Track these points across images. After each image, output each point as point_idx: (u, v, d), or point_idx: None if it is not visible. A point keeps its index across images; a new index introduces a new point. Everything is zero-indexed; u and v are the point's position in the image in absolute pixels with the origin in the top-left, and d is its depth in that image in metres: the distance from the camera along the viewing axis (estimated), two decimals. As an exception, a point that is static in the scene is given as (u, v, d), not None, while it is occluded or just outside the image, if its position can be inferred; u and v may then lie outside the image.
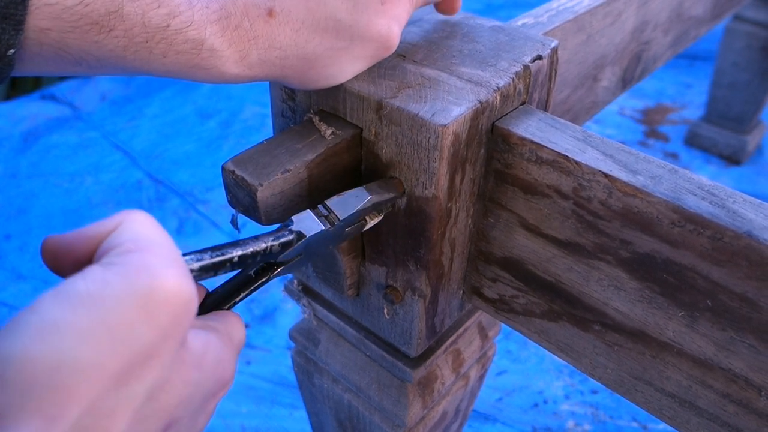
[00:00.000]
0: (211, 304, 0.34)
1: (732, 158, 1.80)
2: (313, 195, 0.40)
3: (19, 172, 1.71)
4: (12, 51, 0.30)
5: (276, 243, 0.34)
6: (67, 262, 0.26)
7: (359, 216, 0.39)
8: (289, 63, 0.37)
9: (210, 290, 0.35)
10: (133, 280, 0.22)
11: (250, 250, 0.33)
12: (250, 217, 0.40)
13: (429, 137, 0.36)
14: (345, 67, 0.38)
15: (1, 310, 1.30)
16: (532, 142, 0.39)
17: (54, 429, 0.20)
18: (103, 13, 0.31)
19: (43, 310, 0.21)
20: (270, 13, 0.35)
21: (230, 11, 0.34)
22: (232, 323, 0.32)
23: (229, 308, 0.34)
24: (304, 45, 0.36)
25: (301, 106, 0.43)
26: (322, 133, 0.40)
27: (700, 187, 0.36)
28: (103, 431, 0.21)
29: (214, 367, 0.27)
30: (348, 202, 0.38)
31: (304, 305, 0.56)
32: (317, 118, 0.41)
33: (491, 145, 0.41)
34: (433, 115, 0.36)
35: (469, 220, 0.44)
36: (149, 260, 0.23)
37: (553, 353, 0.47)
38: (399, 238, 0.42)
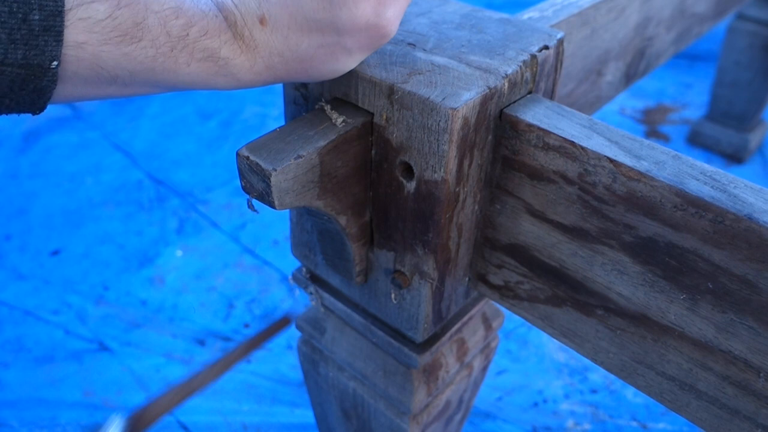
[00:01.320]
0: None
1: (734, 156, 1.81)
2: (324, 181, 0.41)
3: (20, 171, 1.72)
4: (56, 63, 0.32)
5: None
6: None
7: None
8: (291, 66, 0.39)
9: None
10: None
11: None
12: (263, 202, 0.40)
13: (439, 120, 0.37)
14: (343, 60, 0.39)
15: (1, 310, 1.30)
16: (539, 128, 0.40)
17: None
18: (131, 24, 0.33)
19: None
20: (262, 20, 0.37)
21: (233, 20, 0.36)
22: None
23: None
24: (296, 48, 0.38)
25: (314, 93, 0.44)
26: (333, 121, 0.41)
27: (702, 172, 0.37)
28: None
29: None
30: None
31: (311, 293, 0.57)
32: (329, 106, 0.42)
33: (499, 132, 0.42)
34: (443, 99, 0.37)
35: (476, 206, 0.45)
36: None
37: (556, 339, 0.47)
38: (407, 223, 0.43)
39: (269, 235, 1.49)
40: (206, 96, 2.05)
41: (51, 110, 1.96)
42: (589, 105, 0.62)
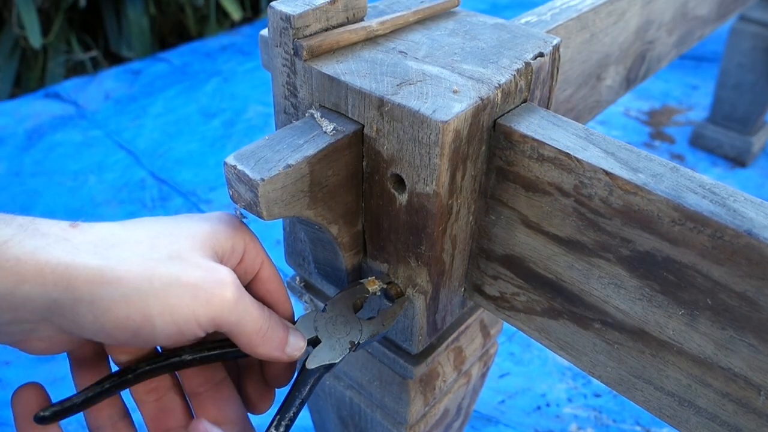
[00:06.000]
0: None
1: (737, 159, 1.79)
2: (314, 190, 0.40)
3: (23, 170, 1.72)
4: None
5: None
6: None
7: None
8: None
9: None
10: None
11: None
12: (251, 213, 0.40)
13: (430, 133, 0.36)
14: None
15: (3, 308, 1.30)
16: (533, 139, 0.39)
17: None
18: None
19: None
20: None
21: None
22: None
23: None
24: None
25: (304, 103, 0.43)
26: (323, 129, 0.40)
27: (701, 185, 0.36)
28: None
29: None
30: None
31: (306, 302, 0.56)
32: (319, 114, 0.41)
33: (493, 142, 0.41)
34: (434, 111, 0.36)
35: (471, 217, 0.44)
36: None
37: (553, 351, 0.47)
38: (400, 235, 0.42)
39: (271, 236, 1.48)
40: (210, 95, 2.05)
41: (55, 108, 1.96)
42: (588, 110, 0.61)
